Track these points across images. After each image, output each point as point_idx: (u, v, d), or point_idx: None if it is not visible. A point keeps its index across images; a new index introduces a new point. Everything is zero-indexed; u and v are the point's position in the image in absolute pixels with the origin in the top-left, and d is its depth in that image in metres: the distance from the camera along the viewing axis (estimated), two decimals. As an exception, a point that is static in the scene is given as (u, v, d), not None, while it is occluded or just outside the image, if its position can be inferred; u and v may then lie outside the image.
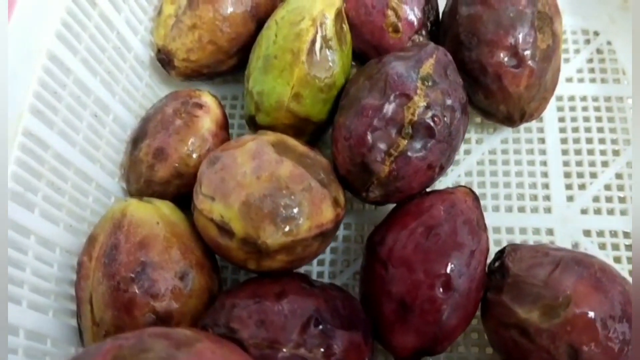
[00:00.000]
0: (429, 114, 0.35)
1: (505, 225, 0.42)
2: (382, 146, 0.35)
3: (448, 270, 0.33)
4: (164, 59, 0.44)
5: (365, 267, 0.37)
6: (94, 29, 0.39)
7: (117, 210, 0.35)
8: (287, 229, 0.32)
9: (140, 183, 0.40)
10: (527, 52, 0.39)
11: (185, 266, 0.34)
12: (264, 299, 0.32)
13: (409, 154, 0.35)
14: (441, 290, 0.33)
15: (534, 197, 0.43)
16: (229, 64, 0.45)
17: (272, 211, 0.32)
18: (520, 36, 0.39)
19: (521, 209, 0.43)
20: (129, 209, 0.35)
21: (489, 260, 0.36)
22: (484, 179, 0.44)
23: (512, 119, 0.42)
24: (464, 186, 0.38)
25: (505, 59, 0.40)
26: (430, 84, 0.36)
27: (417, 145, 0.35)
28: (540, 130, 0.45)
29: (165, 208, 0.36)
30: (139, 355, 0.25)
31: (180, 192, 0.40)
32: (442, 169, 0.37)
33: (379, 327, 0.35)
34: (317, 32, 0.38)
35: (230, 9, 0.43)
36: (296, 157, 0.35)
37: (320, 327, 0.32)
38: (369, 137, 0.35)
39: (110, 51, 0.41)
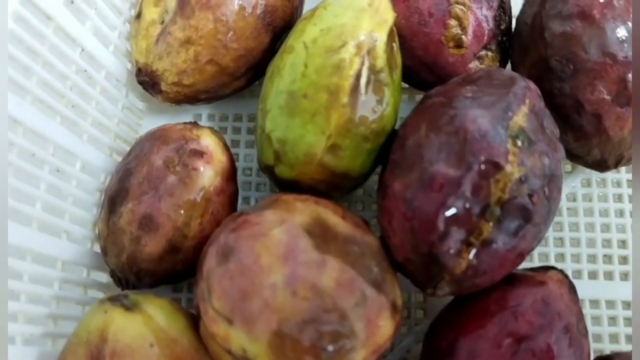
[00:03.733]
0: (525, 189, 0.25)
1: (588, 296, 0.33)
2: (459, 234, 0.25)
3: (545, 401, 0.25)
4: (146, 82, 0.33)
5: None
6: (48, 53, 0.28)
7: (95, 330, 0.25)
8: (336, 366, 0.23)
9: (122, 259, 0.30)
10: None
11: (193, 401, 0.25)
12: None
13: (495, 243, 0.25)
14: None
15: (624, 260, 0.34)
16: (235, 86, 0.34)
17: (316, 344, 0.23)
18: (632, 65, 0.29)
19: (608, 275, 0.34)
20: (110, 330, 0.25)
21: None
22: (561, 234, 0.35)
23: (605, 165, 0.32)
24: (555, 269, 0.29)
25: (610, 95, 0.30)
26: (524, 144, 0.26)
27: (507, 231, 0.26)
28: (630, 169, 0.36)
29: (160, 315, 0.26)
30: None
31: (176, 269, 0.30)
32: (532, 251, 0.28)
33: None
34: (363, 63, 0.28)
35: (236, 17, 0.31)
36: (340, 247, 0.26)
37: None
38: (441, 220, 0.25)
39: (74, 78, 0.30)
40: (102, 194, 0.33)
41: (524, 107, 0.27)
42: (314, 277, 0.24)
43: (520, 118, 0.26)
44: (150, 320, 0.26)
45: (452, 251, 0.26)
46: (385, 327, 0.25)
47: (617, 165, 0.32)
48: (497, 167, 0.25)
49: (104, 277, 0.33)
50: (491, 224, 0.25)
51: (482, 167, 0.25)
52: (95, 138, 0.33)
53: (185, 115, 0.37)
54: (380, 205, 0.29)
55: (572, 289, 0.29)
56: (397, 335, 0.27)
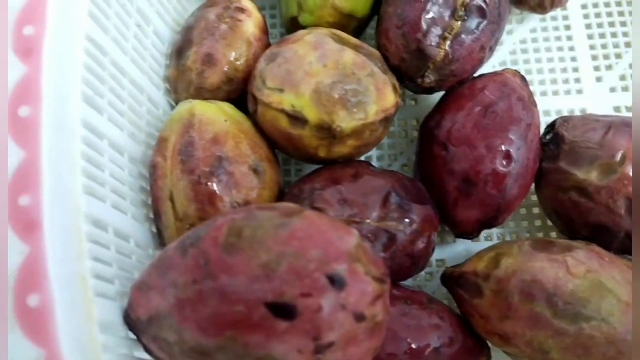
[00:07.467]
0: (480, -5, 0.36)
1: (542, 109, 0.44)
2: (437, 30, 0.36)
3: (508, 144, 0.35)
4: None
5: (422, 152, 0.38)
6: None
7: (185, 111, 0.35)
8: (357, 113, 0.33)
9: (190, 91, 0.40)
10: None
11: (256, 160, 0.35)
12: (342, 181, 0.34)
13: (463, 36, 0.36)
14: (503, 162, 0.35)
15: (566, 81, 0.45)
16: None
17: (343, 96, 0.33)
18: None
19: (555, 93, 0.45)
20: (196, 109, 0.35)
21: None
22: (517, 67, 0.46)
23: (542, 6, 0.43)
24: (509, 68, 0.40)
25: (540, -58, 0.41)
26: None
27: (470, 26, 0.36)
28: (565, 17, 0.47)
29: (227, 107, 0.37)
30: (252, 224, 0.26)
31: (230, 97, 0.40)
32: (491, 50, 0.39)
33: (441, 205, 0.37)
34: None
35: None
36: (353, 47, 0.36)
37: (398, 201, 0.34)
38: (423, 22, 0.36)
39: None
40: (170, 57, 0.43)
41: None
42: (336, 56, 0.34)
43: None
44: (221, 108, 0.36)
45: (433, 44, 0.36)
46: (389, 96, 0.35)
47: (552, 5, 0.43)
48: (458, -20, 0.36)
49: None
50: (459, 22, 0.36)
51: (449, -19, 0.36)
52: (160, 12, 0.43)
53: None
54: (378, 30, 0.39)
55: (523, 78, 0.39)
56: (397, 110, 0.37)
